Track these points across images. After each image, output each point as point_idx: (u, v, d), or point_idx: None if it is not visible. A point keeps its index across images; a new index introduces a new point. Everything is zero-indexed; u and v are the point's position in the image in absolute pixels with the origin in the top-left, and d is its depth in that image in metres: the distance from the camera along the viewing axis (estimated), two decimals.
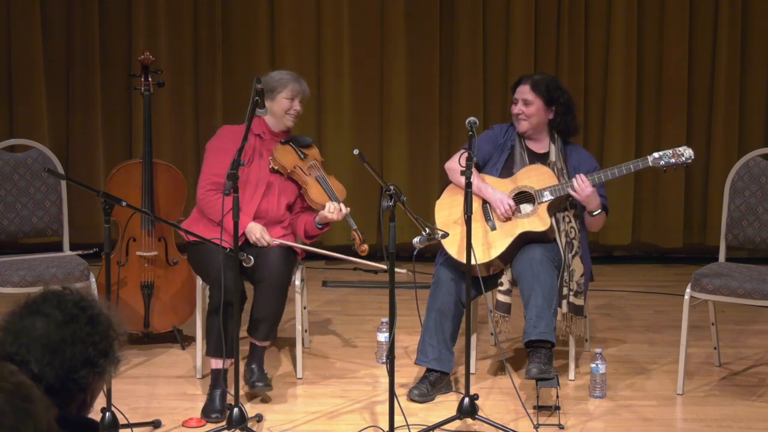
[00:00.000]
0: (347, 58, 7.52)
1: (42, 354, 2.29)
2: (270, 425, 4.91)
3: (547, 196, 5.21)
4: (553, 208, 5.25)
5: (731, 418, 5.00)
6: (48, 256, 5.64)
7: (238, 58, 7.50)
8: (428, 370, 5.22)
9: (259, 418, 4.94)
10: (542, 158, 5.36)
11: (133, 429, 4.77)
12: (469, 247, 4.83)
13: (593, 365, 5.19)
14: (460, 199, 5.28)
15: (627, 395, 5.25)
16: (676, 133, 7.50)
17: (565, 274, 5.17)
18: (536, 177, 5.27)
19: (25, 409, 1.99)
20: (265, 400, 5.15)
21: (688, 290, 5.23)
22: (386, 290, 4.67)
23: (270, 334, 5.19)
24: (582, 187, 5.15)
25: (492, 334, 5.73)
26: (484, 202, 5.27)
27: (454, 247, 5.19)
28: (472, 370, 5.26)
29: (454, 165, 5.20)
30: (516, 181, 5.29)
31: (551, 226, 5.21)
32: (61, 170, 5.67)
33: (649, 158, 5.18)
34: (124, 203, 4.73)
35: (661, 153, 5.20)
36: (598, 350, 5.21)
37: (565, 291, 5.16)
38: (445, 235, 4.97)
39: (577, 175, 5.18)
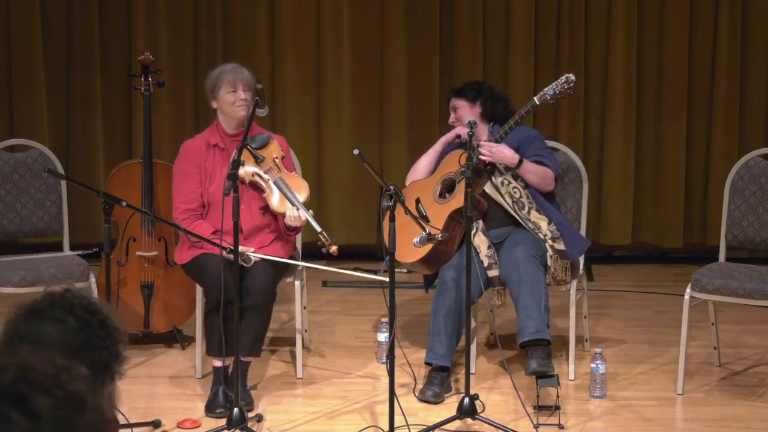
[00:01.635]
0: (347, 58, 7.52)
1: None
2: (270, 425, 4.91)
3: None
4: (484, 180, 5.36)
5: (731, 418, 5.00)
6: (48, 256, 5.64)
7: (238, 58, 7.45)
8: (434, 370, 5.21)
9: (259, 418, 4.94)
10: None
11: (133, 429, 4.77)
12: (469, 250, 4.83)
13: (593, 365, 5.19)
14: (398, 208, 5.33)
15: (627, 395, 5.25)
16: (676, 133, 7.49)
17: (530, 224, 5.26)
18: (453, 161, 5.39)
19: (69, 420, 1.98)
20: (265, 400, 5.15)
21: (688, 290, 5.23)
22: (386, 290, 4.67)
23: (253, 349, 5.13)
24: (486, 148, 5.26)
25: (492, 333, 5.74)
26: (417, 203, 5.31)
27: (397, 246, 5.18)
28: (472, 370, 5.26)
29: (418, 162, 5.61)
30: (439, 173, 5.44)
31: (473, 196, 5.25)
32: (61, 170, 5.67)
33: (535, 98, 5.31)
34: (124, 203, 4.74)
35: (544, 90, 5.31)
36: (598, 350, 5.21)
37: (540, 237, 5.24)
38: (445, 234, 4.97)
39: (479, 142, 5.30)
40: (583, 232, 5.55)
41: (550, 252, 5.23)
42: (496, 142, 5.29)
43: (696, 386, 5.35)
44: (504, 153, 5.28)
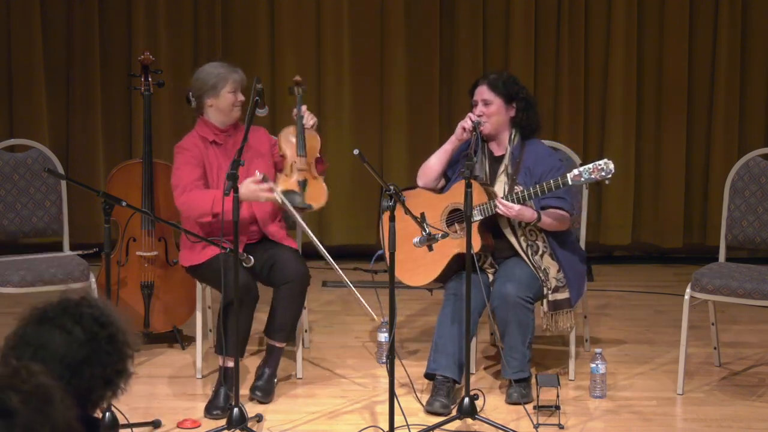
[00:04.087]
0: (347, 58, 7.52)
1: (61, 372, 2.28)
2: (270, 425, 4.91)
3: (477, 216, 5.09)
4: (498, 219, 5.17)
5: (731, 418, 5.00)
6: (48, 256, 5.64)
7: (238, 58, 7.47)
8: (441, 381, 5.13)
9: (259, 418, 4.94)
10: (499, 161, 5.28)
11: (133, 429, 4.78)
12: (469, 245, 4.83)
13: (593, 365, 5.19)
14: (400, 214, 5.22)
15: (627, 395, 5.25)
16: (676, 133, 7.49)
17: (540, 274, 5.15)
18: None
19: (41, 410, 1.99)
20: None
21: (688, 290, 5.23)
22: (386, 290, 4.67)
23: (290, 335, 5.23)
24: (505, 210, 5.06)
25: (492, 333, 5.73)
26: (422, 220, 5.16)
27: (399, 265, 5.05)
28: (472, 370, 5.26)
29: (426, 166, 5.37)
30: (450, 197, 5.23)
31: (483, 245, 5.14)
32: (61, 170, 5.67)
33: (569, 176, 5.01)
34: (124, 203, 4.73)
35: (581, 169, 5.02)
36: (598, 350, 5.21)
37: (544, 291, 5.15)
38: (446, 235, 4.96)
39: (497, 200, 5.07)
40: (583, 231, 5.54)
41: (545, 308, 5.14)
42: (517, 201, 5.06)
43: (696, 386, 5.35)
44: (523, 215, 5.08)
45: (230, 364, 4.98)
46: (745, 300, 5.16)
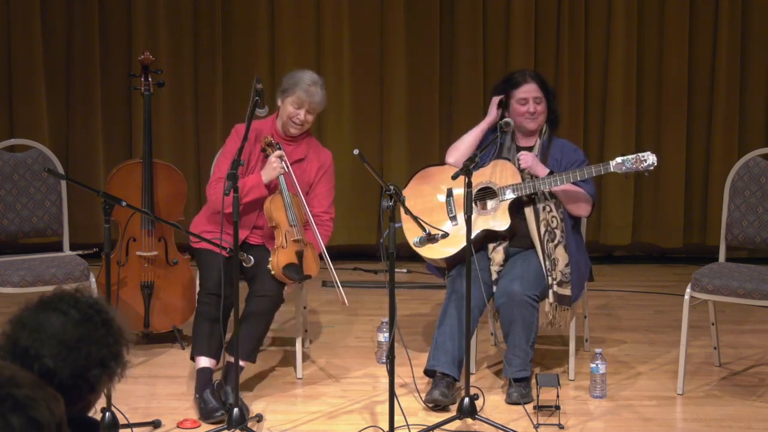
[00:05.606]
0: (347, 58, 7.52)
1: (58, 350, 2.32)
2: (270, 425, 4.91)
3: (509, 195, 5.20)
4: (523, 203, 5.23)
5: (731, 418, 5.00)
6: (48, 256, 5.64)
7: (238, 58, 7.50)
8: (440, 377, 5.13)
9: (259, 418, 4.93)
10: (529, 151, 5.33)
11: (133, 429, 4.78)
12: (469, 245, 4.82)
13: (593, 365, 5.19)
14: (426, 189, 5.29)
15: (627, 395, 5.25)
16: (676, 133, 7.50)
17: (547, 263, 5.17)
18: (500, 173, 5.24)
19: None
20: (265, 400, 5.16)
21: (688, 290, 5.23)
22: (386, 290, 4.67)
23: (252, 354, 5.12)
24: (524, 159, 5.19)
25: (492, 334, 5.74)
26: (448, 195, 5.25)
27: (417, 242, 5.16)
28: (472, 369, 5.26)
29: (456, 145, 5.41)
30: (480, 175, 5.25)
31: (511, 225, 5.19)
32: (61, 170, 5.67)
33: (612, 163, 5.14)
34: (124, 203, 4.73)
35: (623, 158, 5.14)
36: (598, 350, 5.21)
37: (549, 281, 5.16)
38: (446, 235, 4.96)
39: (520, 154, 5.23)
40: (583, 231, 5.54)
41: (551, 299, 5.16)
42: (554, 184, 5.14)
43: (696, 386, 5.35)
44: (536, 166, 5.18)
45: (211, 365, 5.01)
46: (745, 300, 5.16)
